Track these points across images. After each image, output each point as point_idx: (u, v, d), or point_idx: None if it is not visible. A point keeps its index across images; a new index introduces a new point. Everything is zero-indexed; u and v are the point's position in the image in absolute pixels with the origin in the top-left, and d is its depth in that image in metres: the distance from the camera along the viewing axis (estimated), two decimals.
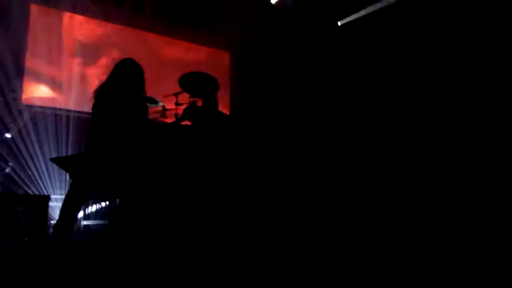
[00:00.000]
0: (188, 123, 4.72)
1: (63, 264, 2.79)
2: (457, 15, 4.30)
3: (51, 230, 3.62)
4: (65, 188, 5.74)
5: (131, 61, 3.54)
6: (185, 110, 4.88)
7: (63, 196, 3.34)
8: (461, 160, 3.89)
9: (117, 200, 4.74)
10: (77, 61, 6.95)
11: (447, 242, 3.07)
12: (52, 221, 4.84)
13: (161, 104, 4.99)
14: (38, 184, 5.93)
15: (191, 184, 3.82)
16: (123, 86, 3.41)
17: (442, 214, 3.55)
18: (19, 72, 6.31)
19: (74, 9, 7.06)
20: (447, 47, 4.39)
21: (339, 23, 6.12)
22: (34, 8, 6.68)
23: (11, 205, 4.69)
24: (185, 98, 5.05)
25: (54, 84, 6.74)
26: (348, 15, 5.90)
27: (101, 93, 3.39)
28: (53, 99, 6.68)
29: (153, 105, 4.80)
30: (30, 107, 6.38)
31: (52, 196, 5.52)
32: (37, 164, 5.97)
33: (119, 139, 3.30)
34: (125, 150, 3.33)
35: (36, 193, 5.79)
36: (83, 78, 6.81)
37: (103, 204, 5.13)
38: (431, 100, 4.42)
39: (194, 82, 4.79)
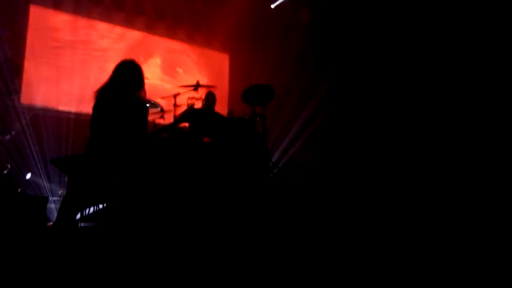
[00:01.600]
0: (186, 124, 4.73)
1: (58, 265, 2.79)
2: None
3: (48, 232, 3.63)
4: (63, 190, 5.75)
5: (132, 62, 3.55)
6: (183, 112, 4.90)
7: (61, 198, 3.34)
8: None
9: (115, 202, 4.74)
10: (77, 62, 6.96)
11: (447, 242, 3.06)
12: (50, 223, 4.83)
13: (159, 107, 5.01)
14: (37, 185, 5.93)
15: (189, 186, 3.82)
16: (123, 86, 3.42)
17: (442, 214, 3.54)
18: (18, 72, 6.32)
19: (75, 11, 7.07)
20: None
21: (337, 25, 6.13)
22: (33, 8, 6.70)
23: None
24: (183, 99, 5.08)
25: (54, 85, 6.75)
26: (348, 16, 5.89)
27: (101, 94, 3.40)
28: (53, 100, 6.69)
29: (152, 108, 4.82)
30: (30, 108, 6.39)
31: (50, 198, 5.53)
32: (36, 165, 5.98)
33: (118, 141, 3.30)
34: (124, 151, 3.33)
35: (35, 194, 5.80)
36: (83, 79, 6.82)
37: (100, 206, 5.12)
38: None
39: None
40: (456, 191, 3.78)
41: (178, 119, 4.15)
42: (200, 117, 4.36)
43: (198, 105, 5.17)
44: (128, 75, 3.48)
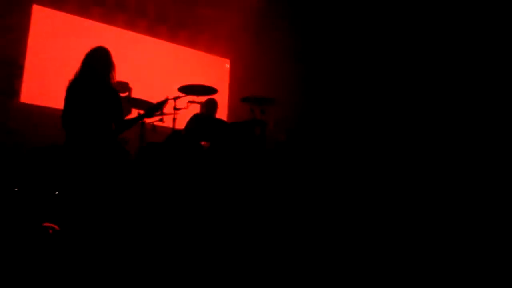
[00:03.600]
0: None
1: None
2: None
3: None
4: None
5: (97, 48, 3.51)
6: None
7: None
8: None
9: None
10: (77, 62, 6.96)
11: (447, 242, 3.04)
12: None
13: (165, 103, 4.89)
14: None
15: (184, 189, 3.81)
16: (93, 75, 3.38)
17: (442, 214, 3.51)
18: (19, 72, 6.32)
19: (77, 11, 7.10)
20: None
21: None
22: (36, 8, 6.71)
23: None
24: (183, 103, 5.07)
25: (55, 84, 6.74)
26: (349, 21, 5.88)
27: (72, 87, 3.37)
28: (53, 99, 6.68)
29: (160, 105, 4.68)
30: (29, 106, 6.38)
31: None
32: None
33: (95, 133, 3.24)
34: (102, 144, 3.26)
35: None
36: None
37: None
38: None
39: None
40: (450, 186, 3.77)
41: (151, 110, 4.01)
42: (202, 123, 4.37)
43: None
44: (95, 62, 3.45)
